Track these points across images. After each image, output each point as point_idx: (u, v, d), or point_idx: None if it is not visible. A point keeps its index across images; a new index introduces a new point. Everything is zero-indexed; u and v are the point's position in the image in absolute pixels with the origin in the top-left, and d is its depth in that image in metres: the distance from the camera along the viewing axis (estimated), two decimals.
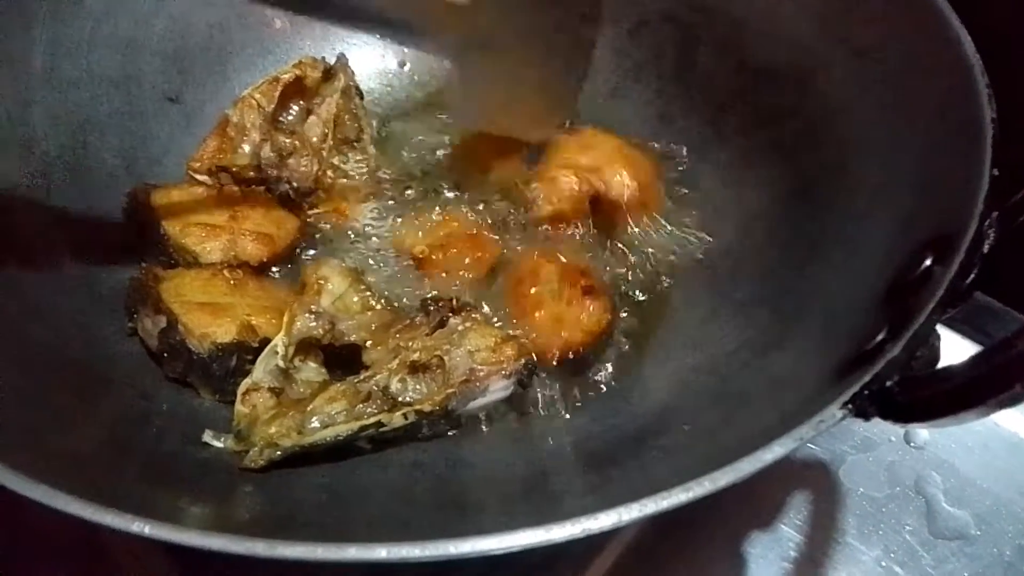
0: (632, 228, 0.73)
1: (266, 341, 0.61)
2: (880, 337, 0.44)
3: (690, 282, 0.70)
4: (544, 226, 0.72)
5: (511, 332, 0.63)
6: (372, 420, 0.57)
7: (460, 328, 0.61)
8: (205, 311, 0.61)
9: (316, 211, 0.72)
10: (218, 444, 0.57)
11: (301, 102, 0.75)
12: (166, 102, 0.76)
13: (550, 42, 0.68)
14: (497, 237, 0.71)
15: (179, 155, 0.75)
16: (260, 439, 0.56)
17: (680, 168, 0.76)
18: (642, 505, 0.37)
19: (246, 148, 0.70)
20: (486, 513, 0.53)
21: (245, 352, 0.60)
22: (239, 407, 0.58)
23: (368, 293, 0.64)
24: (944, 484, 0.67)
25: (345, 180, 0.73)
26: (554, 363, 0.62)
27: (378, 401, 0.58)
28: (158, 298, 0.61)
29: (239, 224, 0.67)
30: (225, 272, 0.65)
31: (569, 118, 0.76)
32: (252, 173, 0.71)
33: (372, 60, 0.84)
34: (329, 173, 0.73)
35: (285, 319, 0.61)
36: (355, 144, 0.75)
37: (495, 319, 0.65)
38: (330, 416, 0.57)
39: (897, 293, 0.48)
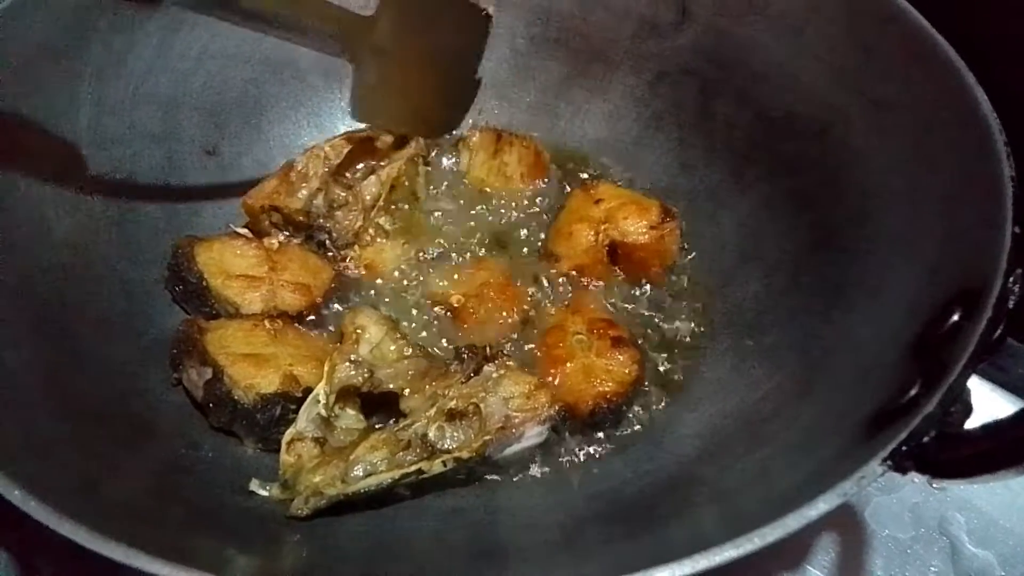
0: (657, 276, 0.75)
1: (308, 390, 0.62)
2: (914, 391, 0.45)
3: (716, 329, 0.71)
4: (568, 279, 0.74)
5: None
6: (413, 468, 0.58)
7: (495, 375, 0.63)
8: (249, 362, 0.63)
9: (348, 263, 0.74)
10: (264, 493, 0.59)
11: (370, 161, 0.77)
12: (204, 155, 0.78)
13: (438, 59, 0.76)
14: (529, 289, 0.74)
15: (217, 205, 0.78)
16: (305, 488, 0.58)
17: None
18: (694, 561, 0.38)
19: (303, 194, 0.73)
20: (528, 562, 0.54)
21: (289, 402, 0.62)
22: (285, 457, 0.60)
23: (404, 341, 0.66)
24: (968, 525, 0.68)
25: (383, 240, 0.75)
26: (587, 414, 0.64)
27: (417, 449, 0.59)
28: (204, 350, 0.63)
29: (278, 275, 0.70)
30: (266, 323, 0.66)
31: (454, 128, 0.82)
32: (301, 218, 0.73)
33: None
34: (370, 231, 0.75)
35: (326, 368, 0.62)
36: (405, 208, 0.78)
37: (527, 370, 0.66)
38: (372, 464, 0.58)
39: (927, 346, 0.50)
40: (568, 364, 0.66)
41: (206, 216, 0.77)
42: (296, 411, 0.62)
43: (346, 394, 0.63)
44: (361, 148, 0.76)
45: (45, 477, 0.47)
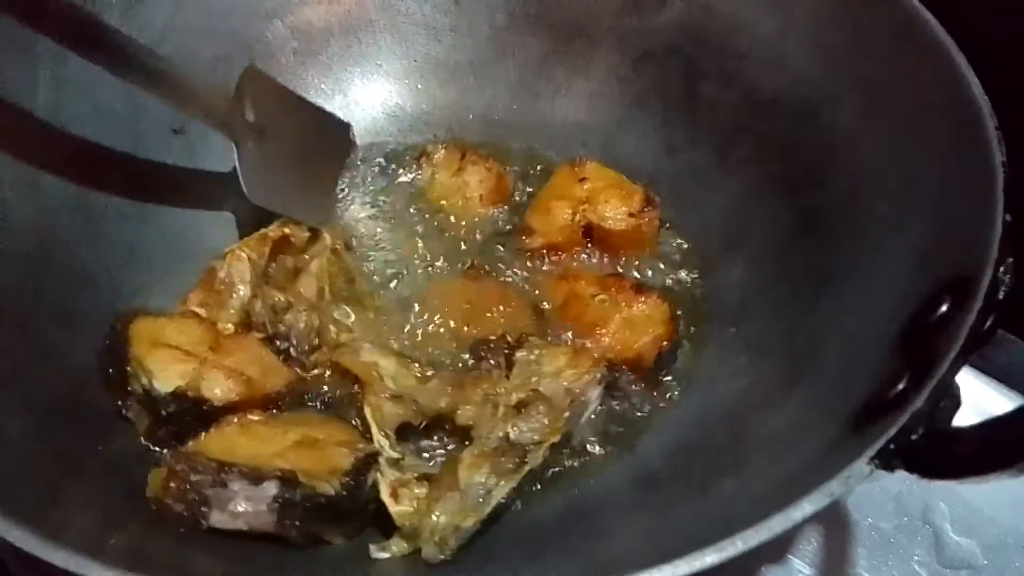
0: (634, 261, 0.74)
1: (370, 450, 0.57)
2: (902, 385, 0.44)
3: (698, 316, 0.70)
4: (541, 257, 0.73)
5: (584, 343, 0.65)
6: (526, 468, 0.56)
7: (532, 358, 0.61)
8: (306, 448, 0.55)
9: (318, 368, 0.66)
10: (388, 555, 0.54)
11: (290, 258, 0.71)
12: (171, 134, 0.75)
13: (311, 145, 0.78)
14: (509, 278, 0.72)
15: (184, 188, 0.75)
16: (434, 530, 0.53)
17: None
18: (674, 567, 0.37)
19: (235, 303, 0.66)
20: (496, 562, 0.53)
21: (371, 464, 0.56)
22: (396, 508, 0.55)
23: (417, 364, 0.63)
24: (951, 514, 0.68)
25: (349, 335, 0.68)
26: (654, 361, 0.65)
27: (511, 452, 0.57)
28: (252, 466, 0.52)
29: (216, 358, 0.60)
30: (251, 416, 0.59)
31: (326, 220, 0.75)
32: (240, 331, 0.66)
33: (379, 94, 0.85)
34: (332, 328, 0.68)
35: (368, 415, 0.59)
36: (352, 298, 0.71)
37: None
38: (483, 483, 0.55)
39: (915, 337, 0.48)
40: (609, 326, 0.65)
41: (173, 199, 0.74)
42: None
43: (403, 430, 0.60)
44: (279, 245, 0.70)
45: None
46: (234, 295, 0.66)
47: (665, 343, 0.65)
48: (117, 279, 0.67)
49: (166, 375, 0.58)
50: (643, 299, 0.67)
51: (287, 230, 0.71)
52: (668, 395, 0.65)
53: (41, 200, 0.65)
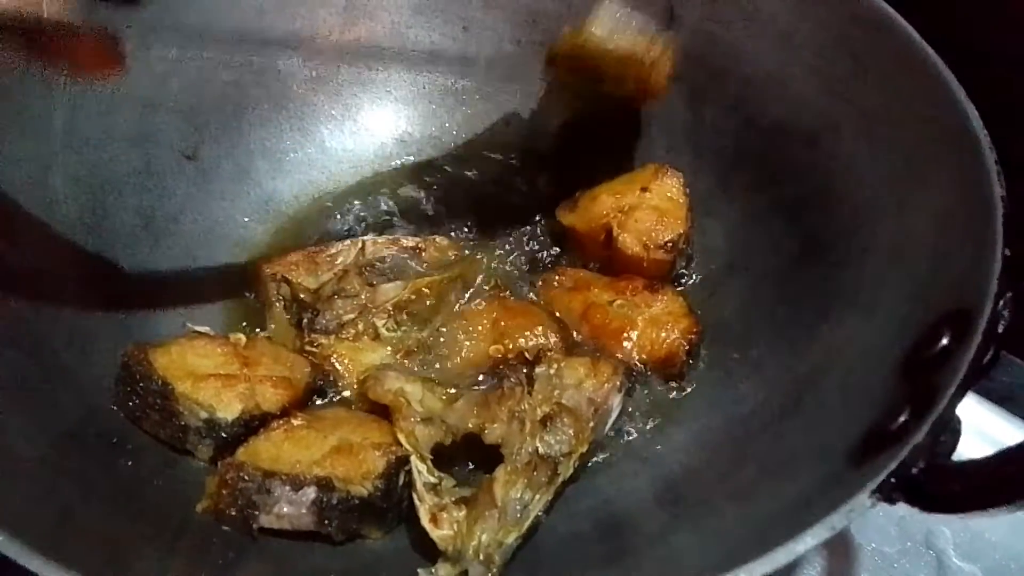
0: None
1: (404, 452, 0.59)
2: (903, 418, 0.45)
3: (704, 341, 0.70)
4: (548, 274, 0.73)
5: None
6: (559, 480, 0.58)
7: (552, 372, 0.62)
8: (342, 454, 0.57)
9: (315, 348, 0.68)
10: None
11: (407, 259, 0.74)
12: (183, 159, 0.76)
13: None
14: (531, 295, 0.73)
15: (195, 212, 0.76)
16: (478, 549, 0.54)
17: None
18: None
19: (322, 277, 0.70)
20: None
21: (403, 465, 0.58)
22: (438, 533, 0.55)
23: (441, 387, 0.63)
24: (954, 538, 0.68)
25: (368, 340, 0.69)
26: (685, 356, 0.66)
27: (542, 466, 0.58)
28: (292, 474, 0.55)
29: (253, 371, 0.63)
30: (294, 421, 0.60)
31: None
32: (306, 297, 0.70)
33: (388, 120, 0.86)
34: (359, 326, 0.69)
35: (403, 440, 0.59)
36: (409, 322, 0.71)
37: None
38: (520, 498, 0.56)
39: (916, 370, 0.49)
40: (636, 328, 0.66)
41: (184, 223, 0.74)
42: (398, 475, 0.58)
43: (437, 457, 0.61)
44: (403, 252, 0.73)
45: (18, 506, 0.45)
46: (328, 271, 0.71)
47: (692, 335, 0.66)
48: (129, 302, 0.68)
49: (225, 404, 0.60)
50: (660, 297, 0.68)
51: (423, 245, 0.74)
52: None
53: (56, 225, 0.66)
